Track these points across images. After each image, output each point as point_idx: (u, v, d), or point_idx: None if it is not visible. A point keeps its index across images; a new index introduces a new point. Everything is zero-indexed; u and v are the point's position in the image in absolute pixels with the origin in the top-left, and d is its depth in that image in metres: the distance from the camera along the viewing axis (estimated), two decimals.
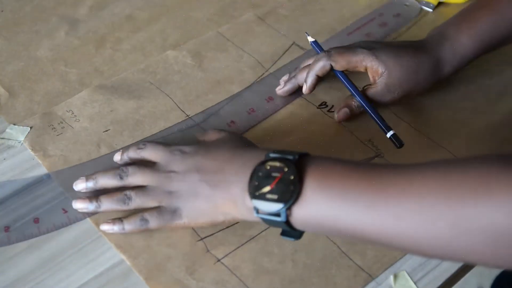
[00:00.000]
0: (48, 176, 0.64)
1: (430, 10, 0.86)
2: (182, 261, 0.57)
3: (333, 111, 0.72)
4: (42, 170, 0.64)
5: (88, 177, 0.60)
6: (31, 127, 0.68)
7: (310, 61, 0.72)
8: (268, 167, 0.52)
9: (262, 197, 0.51)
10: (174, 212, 0.56)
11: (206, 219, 0.56)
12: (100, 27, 0.82)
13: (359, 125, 0.70)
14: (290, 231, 0.52)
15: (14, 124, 0.69)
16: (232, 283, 0.56)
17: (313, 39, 0.73)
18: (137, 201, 0.57)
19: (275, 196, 0.50)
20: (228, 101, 0.72)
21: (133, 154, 0.61)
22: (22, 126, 0.69)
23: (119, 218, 0.58)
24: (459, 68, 0.70)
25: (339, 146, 0.68)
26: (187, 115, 0.71)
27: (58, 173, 0.64)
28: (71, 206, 0.60)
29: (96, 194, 0.60)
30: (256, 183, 0.52)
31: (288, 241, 0.55)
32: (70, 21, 0.82)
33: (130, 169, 0.59)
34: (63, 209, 0.60)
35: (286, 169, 0.51)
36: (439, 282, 0.58)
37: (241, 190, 0.53)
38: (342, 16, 0.85)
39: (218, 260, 0.57)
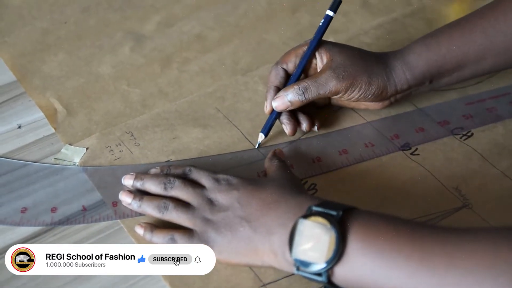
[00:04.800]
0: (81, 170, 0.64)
1: None
2: None
3: (417, 154, 0.67)
4: (97, 195, 0.62)
5: (137, 176, 0.61)
6: (87, 148, 0.66)
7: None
8: (311, 222, 0.51)
9: (303, 254, 0.51)
10: (206, 242, 0.56)
11: (242, 260, 0.55)
12: (167, 46, 0.81)
13: (445, 170, 0.66)
14: None
15: (70, 144, 0.67)
16: None
17: None
18: (172, 214, 0.58)
19: (316, 254, 0.50)
20: (295, 143, 0.68)
21: (178, 173, 0.61)
22: (78, 146, 0.66)
23: (152, 226, 0.58)
24: (414, 84, 0.68)
25: (421, 192, 0.64)
26: (255, 147, 0.68)
27: (93, 171, 0.64)
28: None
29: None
30: (298, 238, 0.51)
31: None
32: (136, 37, 0.81)
33: (177, 182, 0.59)
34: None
35: (329, 226, 0.50)
36: None
37: (282, 242, 0.52)
38: None
39: None
